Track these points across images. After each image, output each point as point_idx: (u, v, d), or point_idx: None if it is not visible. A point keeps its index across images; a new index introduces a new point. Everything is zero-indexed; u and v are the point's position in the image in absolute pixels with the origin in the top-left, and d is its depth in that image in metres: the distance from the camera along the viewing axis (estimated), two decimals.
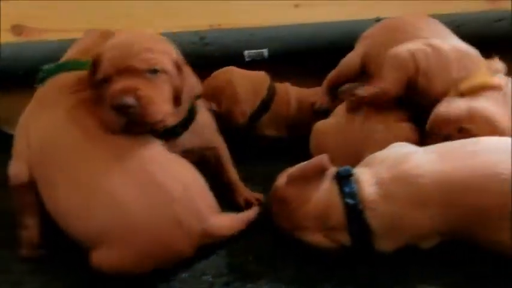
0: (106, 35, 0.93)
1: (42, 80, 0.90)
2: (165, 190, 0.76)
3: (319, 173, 0.84)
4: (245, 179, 1.04)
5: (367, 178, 0.81)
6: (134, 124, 0.77)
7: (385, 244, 0.80)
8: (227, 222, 0.85)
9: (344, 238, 0.81)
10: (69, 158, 0.79)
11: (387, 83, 1.00)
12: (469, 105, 0.90)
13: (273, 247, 0.87)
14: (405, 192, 0.77)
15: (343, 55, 1.27)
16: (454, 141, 0.83)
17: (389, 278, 0.77)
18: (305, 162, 0.86)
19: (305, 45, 1.53)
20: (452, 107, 0.92)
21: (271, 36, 1.53)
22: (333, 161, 0.98)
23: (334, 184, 0.82)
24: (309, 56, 1.54)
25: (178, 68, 0.84)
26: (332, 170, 0.85)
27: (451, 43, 1.03)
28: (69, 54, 0.97)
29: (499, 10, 1.56)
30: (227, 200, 0.98)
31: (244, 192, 1.02)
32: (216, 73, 1.27)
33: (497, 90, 0.92)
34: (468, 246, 0.78)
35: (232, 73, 1.26)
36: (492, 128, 0.85)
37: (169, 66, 0.82)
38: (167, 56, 0.82)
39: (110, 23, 1.45)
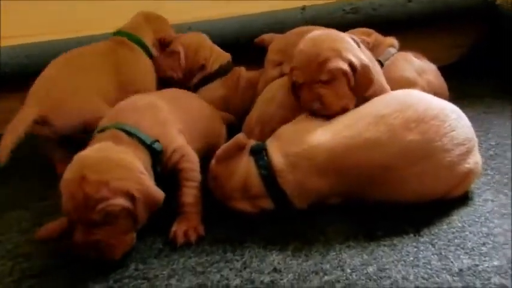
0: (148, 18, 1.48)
1: None
2: None
3: (239, 149, 0.99)
4: None
5: (276, 151, 0.96)
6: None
7: (299, 203, 0.96)
8: None
9: (266, 203, 0.97)
10: None
11: None
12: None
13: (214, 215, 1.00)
14: (306, 165, 0.93)
15: None
16: (345, 117, 0.97)
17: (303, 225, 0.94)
18: (227, 143, 1.00)
19: (237, 36, 1.65)
20: None
21: (207, 29, 1.64)
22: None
23: (251, 158, 0.97)
24: (241, 45, 1.66)
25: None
26: (249, 145, 1.00)
27: None
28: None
29: None
30: None
31: None
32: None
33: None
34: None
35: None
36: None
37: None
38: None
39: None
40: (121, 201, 0.84)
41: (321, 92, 0.97)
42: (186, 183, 0.99)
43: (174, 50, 1.45)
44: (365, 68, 0.99)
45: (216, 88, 1.47)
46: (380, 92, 1.06)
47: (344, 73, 0.97)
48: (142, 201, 0.86)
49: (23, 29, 1.65)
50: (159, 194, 0.91)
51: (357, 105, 1.00)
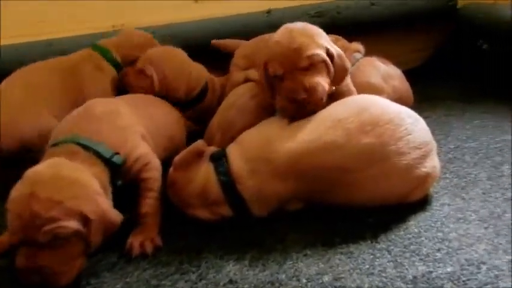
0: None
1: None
2: None
3: (198, 156, 0.96)
4: None
5: (236, 157, 0.95)
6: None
7: (259, 210, 0.94)
8: None
9: (225, 210, 0.95)
10: None
11: None
12: None
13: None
14: (266, 170, 0.92)
15: None
16: (305, 121, 0.96)
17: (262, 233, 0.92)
18: (185, 149, 0.98)
19: (206, 40, 1.63)
20: None
21: (173, 33, 1.61)
22: None
23: (211, 165, 0.95)
24: (210, 48, 1.64)
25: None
26: (209, 151, 0.98)
27: None
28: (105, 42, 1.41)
29: None
30: None
31: None
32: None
33: None
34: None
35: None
36: None
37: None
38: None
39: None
40: (73, 224, 0.76)
41: (304, 79, 0.94)
42: (148, 193, 0.95)
43: (146, 73, 1.32)
44: (341, 57, 1.00)
45: (192, 113, 1.41)
46: (348, 94, 1.07)
47: (322, 60, 0.96)
48: (97, 224, 0.79)
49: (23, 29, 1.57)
50: (116, 216, 0.84)
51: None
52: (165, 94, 1.33)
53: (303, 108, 0.95)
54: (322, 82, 0.95)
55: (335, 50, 1.00)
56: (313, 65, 0.95)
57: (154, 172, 0.97)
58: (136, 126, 1.00)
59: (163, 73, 1.32)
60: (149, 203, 0.94)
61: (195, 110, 1.42)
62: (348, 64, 1.03)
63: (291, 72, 0.95)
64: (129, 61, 1.40)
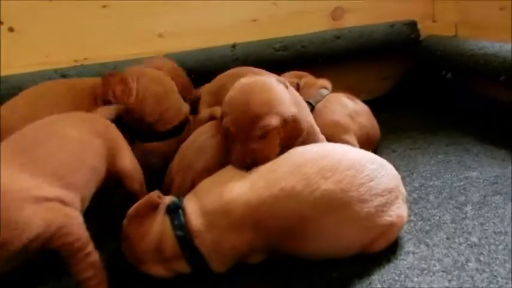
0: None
1: None
2: None
3: (152, 208, 0.91)
4: None
5: (193, 209, 0.90)
6: None
7: (217, 266, 0.89)
8: None
9: (182, 266, 0.89)
10: None
11: None
12: None
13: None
14: (224, 223, 0.87)
15: (207, 80, 1.42)
16: (263, 167, 0.92)
17: None
18: (139, 201, 0.92)
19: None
20: None
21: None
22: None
23: (166, 217, 0.90)
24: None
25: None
26: (165, 202, 0.93)
27: None
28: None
29: (337, 29, 1.77)
30: None
31: None
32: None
33: None
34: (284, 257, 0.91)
35: None
36: None
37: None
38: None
39: None
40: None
41: (254, 148, 0.93)
42: (76, 256, 0.81)
43: (128, 82, 1.26)
44: (295, 120, 0.98)
45: (167, 145, 1.35)
46: (312, 134, 1.05)
47: (275, 128, 0.94)
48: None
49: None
50: None
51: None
52: (136, 115, 1.27)
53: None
54: (272, 148, 0.94)
55: (290, 112, 0.96)
56: (266, 134, 0.94)
57: (68, 236, 0.80)
58: (26, 193, 0.78)
59: (143, 93, 1.27)
60: (84, 267, 0.82)
61: (169, 143, 1.35)
62: (304, 125, 1.00)
63: (243, 138, 0.94)
64: None
